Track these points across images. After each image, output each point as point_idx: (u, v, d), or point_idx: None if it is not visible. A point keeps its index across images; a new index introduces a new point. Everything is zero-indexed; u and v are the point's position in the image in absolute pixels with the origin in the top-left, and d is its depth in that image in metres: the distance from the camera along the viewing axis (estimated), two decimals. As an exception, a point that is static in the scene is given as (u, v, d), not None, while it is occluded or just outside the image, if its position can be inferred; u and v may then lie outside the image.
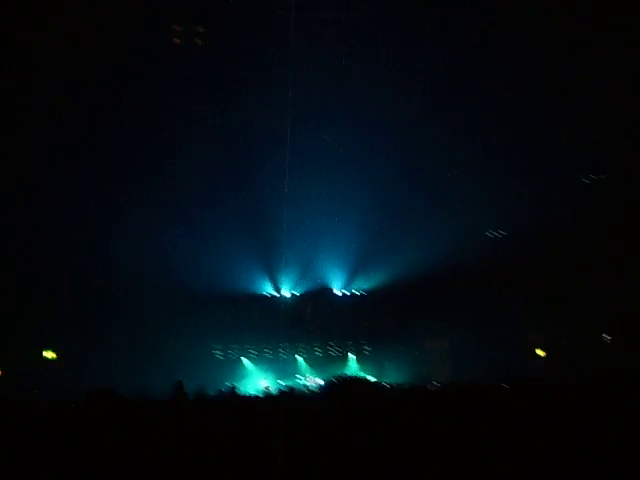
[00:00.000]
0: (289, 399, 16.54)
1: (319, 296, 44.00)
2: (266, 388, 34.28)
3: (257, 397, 20.14)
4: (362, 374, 40.59)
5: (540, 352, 42.01)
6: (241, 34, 41.18)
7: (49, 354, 40.72)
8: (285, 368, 41.17)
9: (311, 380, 38.36)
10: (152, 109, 41.00)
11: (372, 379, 36.86)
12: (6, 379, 38.74)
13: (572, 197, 41.65)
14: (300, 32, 37.36)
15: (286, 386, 29.28)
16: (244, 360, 42.71)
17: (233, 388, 20.67)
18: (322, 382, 33.43)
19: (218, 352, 42.85)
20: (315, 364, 41.52)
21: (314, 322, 44.40)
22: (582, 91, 38.01)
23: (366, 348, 43.58)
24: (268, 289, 43.68)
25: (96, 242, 39.29)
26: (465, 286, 41.33)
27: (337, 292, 44.34)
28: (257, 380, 39.48)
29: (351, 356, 43.20)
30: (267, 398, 18.30)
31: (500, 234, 43.95)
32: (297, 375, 41.32)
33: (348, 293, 44.45)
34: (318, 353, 43.16)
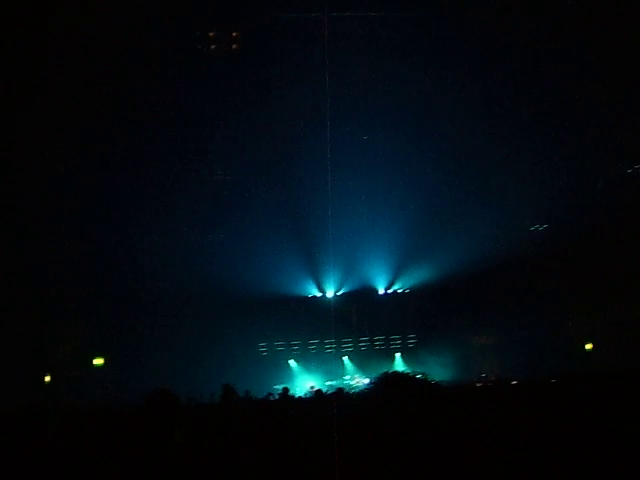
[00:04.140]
0: (338, 399, 16.57)
1: (364, 296, 43.95)
2: (311, 388, 34.32)
3: (306, 398, 20.20)
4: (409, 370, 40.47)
5: (588, 346, 41.58)
6: (277, 35, 41.38)
7: (98, 361, 41.19)
8: (332, 369, 41.16)
9: (358, 380, 38.35)
10: (189, 110, 41.36)
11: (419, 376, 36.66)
12: (56, 385, 39.30)
13: (616, 187, 41.24)
14: (335, 31, 37.45)
15: (334, 387, 29.34)
16: (291, 362, 42.83)
17: (285, 390, 20.63)
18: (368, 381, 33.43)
19: (265, 355, 43.05)
20: (362, 364, 41.46)
21: (360, 322, 44.41)
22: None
23: (412, 346, 43.46)
24: (312, 290, 43.76)
25: (141, 248, 39.57)
26: (511, 280, 41.06)
27: (381, 291, 44.27)
28: (304, 382, 39.56)
29: (397, 355, 43.12)
30: (316, 399, 18.34)
31: (544, 227, 43.59)
32: (344, 376, 41.32)
33: (392, 291, 44.36)
34: (364, 353, 43.09)
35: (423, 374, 4.47)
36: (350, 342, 43.97)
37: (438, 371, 35.25)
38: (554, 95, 39.53)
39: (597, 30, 36.48)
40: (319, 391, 22.08)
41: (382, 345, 44.10)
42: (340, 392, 18.25)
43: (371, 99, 41.06)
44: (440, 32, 39.57)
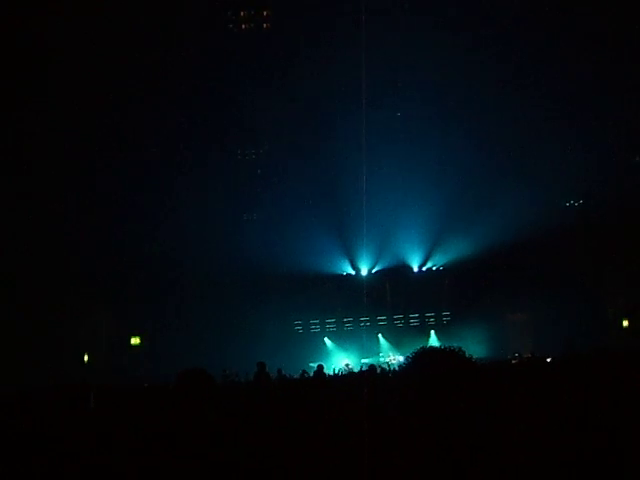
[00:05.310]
0: (372, 376, 16.68)
1: (398, 273, 43.87)
2: (347, 366, 34.43)
3: (341, 375, 20.32)
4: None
5: (625, 322, 41.17)
6: (311, 11, 41.28)
7: (135, 340, 41.68)
8: (367, 346, 41.21)
9: (392, 358, 38.38)
10: (222, 90, 41.44)
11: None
12: (96, 364, 39.84)
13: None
14: (372, 10, 37.17)
15: (367, 364, 29.44)
16: (326, 340, 43.01)
17: (320, 367, 20.66)
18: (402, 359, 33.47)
19: (300, 333, 43.27)
20: (396, 341, 41.50)
21: (394, 299, 44.35)
22: None
23: (446, 323, 43.35)
24: (347, 268, 43.77)
25: (177, 229, 39.85)
26: (546, 257, 40.76)
27: (415, 268, 44.16)
28: (339, 359, 39.69)
29: (432, 332, 43.06)
30: (351, 376, 18.45)
31: (578, 204, 43.17)
32: (379, 353, 41.39)
33: (427, 269, 44.23)
34: (399, 330, 43.09)
35: (460, 349, 4.48)
36: (384, 319, 43.99)
37: (473, 348, 35.13)
38: (595, 74, 39.18)
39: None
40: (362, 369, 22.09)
41: (417, 322, 44.08)
42: (373, 369, 18.28)
43: (406, 75, 40.88)
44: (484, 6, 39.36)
